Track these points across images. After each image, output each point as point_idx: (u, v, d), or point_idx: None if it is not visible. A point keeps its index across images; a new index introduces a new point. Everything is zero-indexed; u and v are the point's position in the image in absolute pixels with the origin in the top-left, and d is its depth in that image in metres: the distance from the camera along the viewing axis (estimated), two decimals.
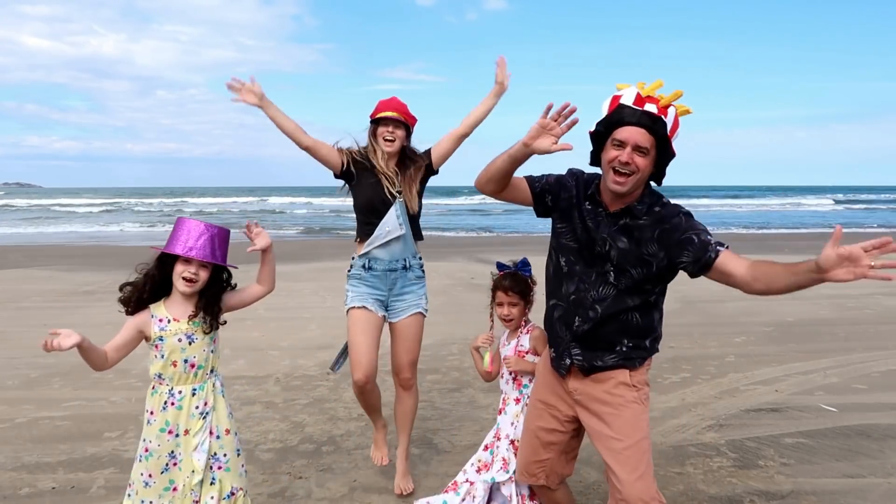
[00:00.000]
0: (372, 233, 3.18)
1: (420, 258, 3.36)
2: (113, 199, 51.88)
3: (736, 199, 56.79)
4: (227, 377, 5.44)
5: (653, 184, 2.35)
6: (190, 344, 2.43)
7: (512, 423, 2.86)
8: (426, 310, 3.35)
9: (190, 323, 2.44)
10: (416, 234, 3.32)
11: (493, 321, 3.03)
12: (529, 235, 22.56)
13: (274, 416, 4.52)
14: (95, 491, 3.42)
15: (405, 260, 3.25)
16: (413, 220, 3.28)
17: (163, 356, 2.42)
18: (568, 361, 2.39)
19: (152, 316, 2.43)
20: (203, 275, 2.42)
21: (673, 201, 2.34)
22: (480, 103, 3.36)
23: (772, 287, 1.99)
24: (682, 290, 9.80)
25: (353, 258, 3.29)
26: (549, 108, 2.16)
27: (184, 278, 2.38)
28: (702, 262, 2.14)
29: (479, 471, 2.90)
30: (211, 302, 2.47)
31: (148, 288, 2.42)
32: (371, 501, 3.31)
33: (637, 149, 2.16)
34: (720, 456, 3.82)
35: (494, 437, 2.94)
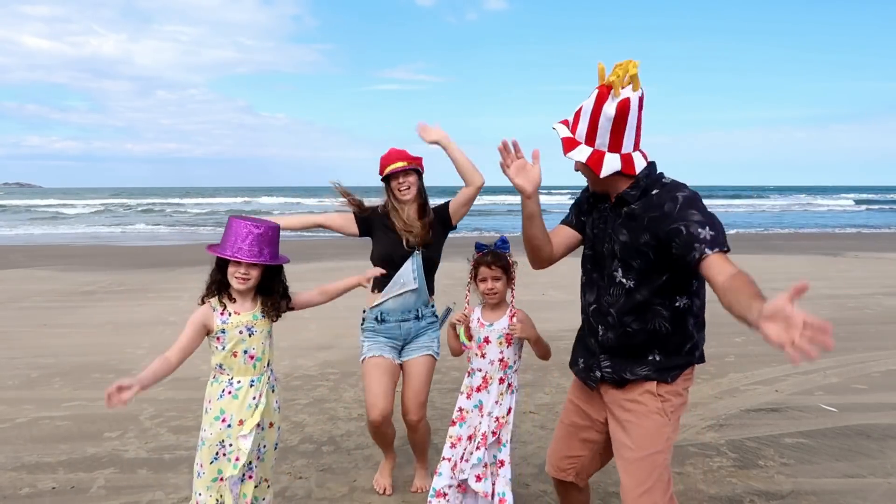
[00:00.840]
0: (386, 285, 3.22)
1: (432, 306, 3.39)
2: (106, 200, 51.76)
3: (736, 198, 56.77)
4: None
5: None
6: (250, 336, 2.59)
7: (496, 402, 2.85)
8: (437, 352, 3.35)
9: (250, 316, 2.59)
10: (430, 287, 3.35)
11: (469, 299, 3.03)
12: None
13: None
14: (95, 491, 3.42)
15: (417, 310, 3.29)
16: (429, 272, 3.31)
17: (224, 347, 2.61)
18: (598, 374, 2.28)
19: (214, 309, 2.60)
20: (254, 273, 2.57)
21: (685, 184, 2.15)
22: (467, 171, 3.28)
23: (730, 309, 1.79)
24: None
25: (364, 311, 3.33)
26: (505, 146, 2.19)
27: (235, 278, 2.54)
28: (685, 260, 1.95)
29: (452, 446, 2.89)
30: (267, 295, 2.63)
31: (214, 286, 2.64)
32: (371, 501, 3.31)
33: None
34: (720, 456, 3.82)
35: (477, 412, 2.89)
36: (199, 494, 2.57)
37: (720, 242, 1.93)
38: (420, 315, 3.30)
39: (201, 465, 2.55)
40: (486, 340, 2.88)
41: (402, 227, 3.22)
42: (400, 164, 3.21)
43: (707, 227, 1.95)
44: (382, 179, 3.29)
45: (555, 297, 9.08)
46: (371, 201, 3.40)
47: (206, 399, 2.61)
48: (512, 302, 2.91)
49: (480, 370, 2.90)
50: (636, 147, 2.14)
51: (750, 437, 4.09)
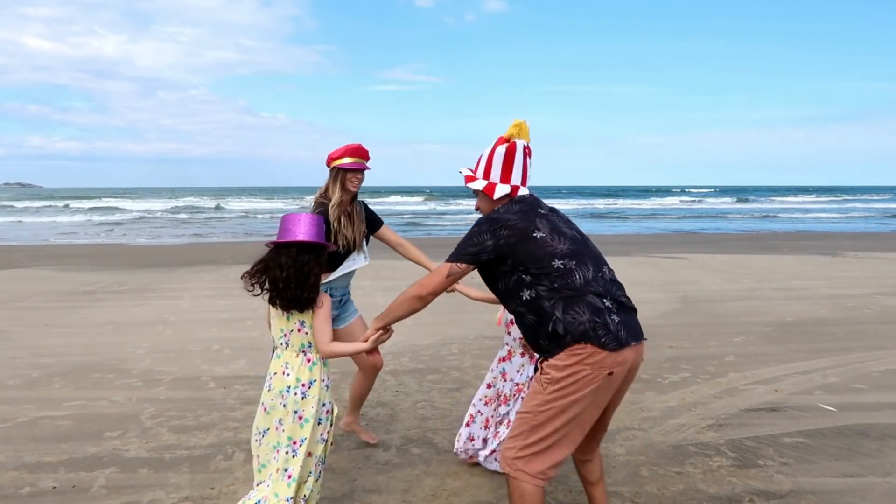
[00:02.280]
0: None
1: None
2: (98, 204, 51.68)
3: (741, 200, 56.76)
4: (227, 377, 5.45)
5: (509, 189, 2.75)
6: (287, 320, 2.80)
7: (518, 370, 3.48)
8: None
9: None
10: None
11: None
12: None
13: None
14: (96, 490, 3.43)
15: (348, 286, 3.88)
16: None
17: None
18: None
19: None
20: None
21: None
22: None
23: None
24: (681, 289, 9.82)
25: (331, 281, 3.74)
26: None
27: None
28: None
29: (486, 403, 3.62)
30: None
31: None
32: (371, 501, 3.31)
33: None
34: (720, 455, 3.83)
35: (501, 377, 3.54)
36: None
37: (450, 255, 2.64)
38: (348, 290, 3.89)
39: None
40: (511, 322, 3.45)
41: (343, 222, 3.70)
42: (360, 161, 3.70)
43: (458, 247, 2.64)
44: (335, 168, 3.68)
45: None
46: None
47: (326, 377, 2.86)
48: None
49: (507, 344, 3.56)
50: (523, 183, 2.77)
51: (749, 437, 4.10)
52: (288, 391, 2.73)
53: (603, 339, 2.43)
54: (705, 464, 3.71)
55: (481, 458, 3.58)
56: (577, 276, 2.51)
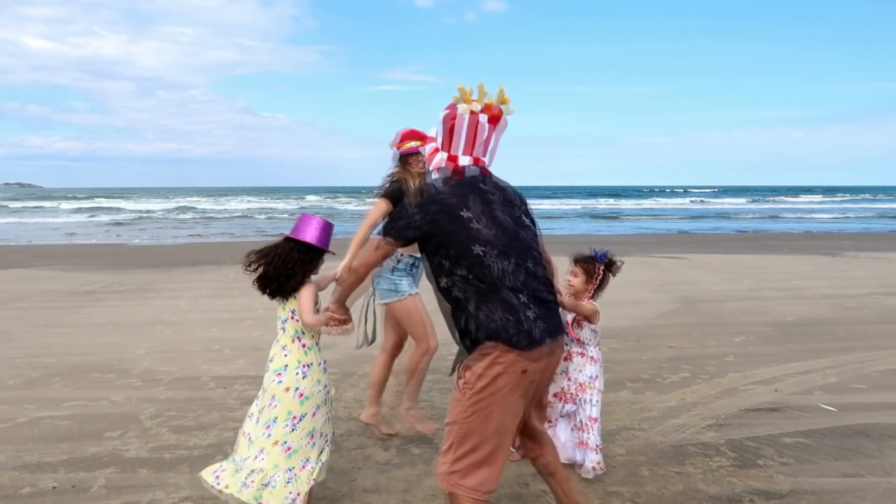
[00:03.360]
0: None
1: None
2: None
3: (742, 198, 56.71)
4: (228, 377, 5.45)
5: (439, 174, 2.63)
6: (283, 309, 2.99)
7: (580, 370, 3.65)
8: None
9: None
10: None
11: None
12: None
13: None
14: (96, 490, 3.43)
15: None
16: None
17: None
18: None
19: None
20: None
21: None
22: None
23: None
24: (681, 289, 9.82)
25: (402, 255, 3.89)
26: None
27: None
28: None
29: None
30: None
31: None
32: (371, 501, 3.31)
33: None
34: (720, 455, 3.82)
35: (564, 376, 3.69)
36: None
37: (382, 231, 2.57)
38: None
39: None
40: (568, 323, 3.63)
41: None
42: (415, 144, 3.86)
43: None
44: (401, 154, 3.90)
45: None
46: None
47: (322, 360, 3.02)
48: (585, 298, 3.60)
49: (567, 345, 3.65)
50: (469, 152, 2.55)
51: (749, 437, 4.09)
52: (285, 370, 2.87)
53: (514, 338, 2.33)
54: (705, 464, 3.71)
55: None
56: (495, 268, 2.37)
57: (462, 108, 2.52)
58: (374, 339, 4.16)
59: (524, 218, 2.58)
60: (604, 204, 51.36)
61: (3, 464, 3.74)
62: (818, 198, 61.92)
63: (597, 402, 3.60)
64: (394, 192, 3.76)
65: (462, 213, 2.41)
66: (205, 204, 48.39)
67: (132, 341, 6.71)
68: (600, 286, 3.63)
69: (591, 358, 3.65)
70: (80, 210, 41.21)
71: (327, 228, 2.94)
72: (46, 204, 48.38)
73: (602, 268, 3.60)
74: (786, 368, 5.61)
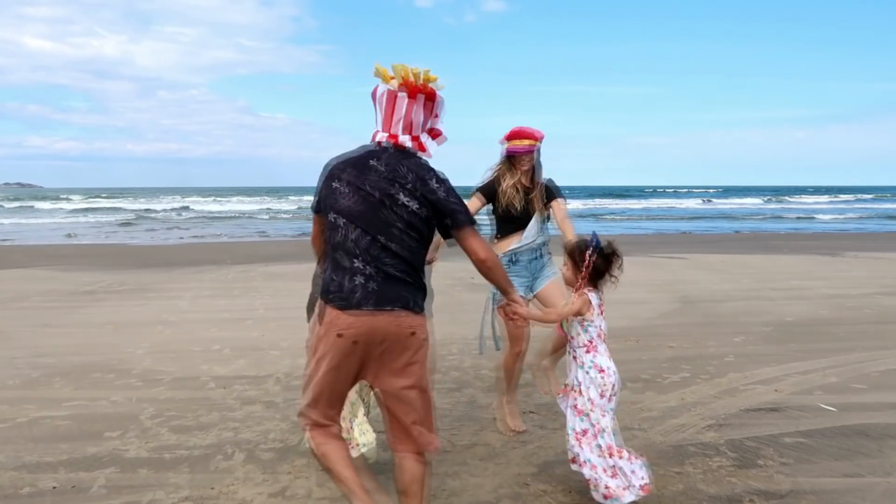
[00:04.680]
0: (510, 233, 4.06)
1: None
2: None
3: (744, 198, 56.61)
4: (227, 377, 5.45)
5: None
6: None
7: (568, 371, 3.33)
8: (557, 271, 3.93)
9: None
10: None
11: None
12: None
13: (274, 415, 4.52)
14: (96, 490, 3.43)
15: (540, 250, 4.11)
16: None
17: None
18: None
19: None
20: None
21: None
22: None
23: None
24: (681, 289, 9.82)
25: (501, 255, 3.96)
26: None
27: None
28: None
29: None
30: None
31: None
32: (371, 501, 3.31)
33: None
34: (720, 455, 3.82)
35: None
36: None
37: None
38: (542, 254, 4.11)
39: None
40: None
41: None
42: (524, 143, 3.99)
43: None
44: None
45: None
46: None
47: None
48: (576, 289, 3.23)
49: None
50: (383, 129, 2.60)
51: (749, 437, 4.09)
52: None
53: (331, 297, 2.46)
54: (705, 464, 3.71)
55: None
56: (339, 234, 2.51)
57: (381, 88, 2.62)
58: (498, 347, 4.22)
59: (403, 198, 2.49)
60: (604, 204, 51.33)
61: (3, 464, 3.74)
62: (820, 198, 61.90)
63: (579, 416, 3.16)
64: (487, 188, 4.06)
65: (333, 183, 2.57)
66: (205, 204, 48.37)
67: (132, 341, 6.71)
68: (597, 276, 3.21)
69: (575, 359, 3.24)
70: (80, 210, 41.20)
71: None
72: (46, 204, 48.38)
73: (589, 254, 3.18)
74: (786, 368, 5.61)
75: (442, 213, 2.53)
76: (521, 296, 3.79)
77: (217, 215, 36.54)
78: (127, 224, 30.04)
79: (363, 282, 2.43)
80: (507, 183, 4.01)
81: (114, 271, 12.45)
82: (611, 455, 3.08)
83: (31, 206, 44.73)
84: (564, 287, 3.57)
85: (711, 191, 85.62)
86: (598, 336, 3.21)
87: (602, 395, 3.14)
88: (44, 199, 57.12)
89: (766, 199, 59.73)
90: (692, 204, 50.47)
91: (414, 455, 2.63)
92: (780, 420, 4.39)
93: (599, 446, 3.09)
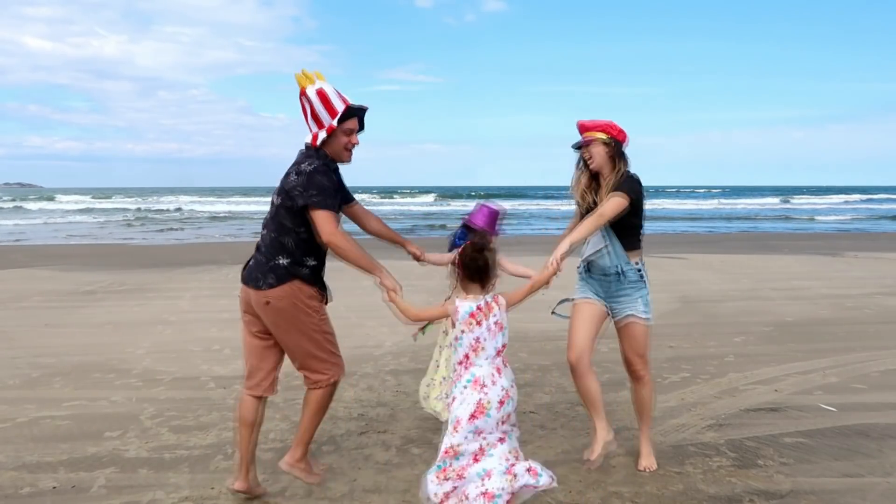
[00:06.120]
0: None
1: (636, 265, 3.59)
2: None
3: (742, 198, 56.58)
4: (228, 377, 5.45)
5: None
6: None
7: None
8: (642, 313, 3.54)
9: None
10: (627, 244, 3.56)
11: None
12: (530, 236, 22.59)
13: (274, 415, 4.52)
14: (96, 490, 3.43)
15: (617, 267, 3.53)
16: (620, 233, 3.54)
17: None
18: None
19: None
20: None
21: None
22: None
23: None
24: (681, 290, 9.81)
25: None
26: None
27: None
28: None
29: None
30: None
31: None
32: (371, 501, 3.31)
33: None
34: (720, 455, 3.82)
35: None
36: None
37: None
38: (621, 272, 3.53)
39: None
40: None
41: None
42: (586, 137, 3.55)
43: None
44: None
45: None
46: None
47: None
48: (457, 294, 2.97)
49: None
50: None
51: (749, 437, 4.09)
52: None
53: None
54: (705, 464, 3.71)
55: None
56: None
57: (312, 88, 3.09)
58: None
59: (274, 196, 3.12)
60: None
61: (3, 464, 3.74)
62: (820, 198, 61.90)
63: (448, 437, 2.74)
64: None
65: None
66: (205, 204, 48.38)
67: (132, 341, 6.72)
68: (477, 276, 2.83)
69: (459, 377, 2.81)
70: (80, 210, 41.20)
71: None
72: (46, 204, 48.37)
73: (458, 254, 2.87)
74: (786, 368, 5.61)
75: (292, 198, 3.00)
76: (598, 305, 3.55)
77: (217, 215, 36.54)
78: (127, 224, 30.05)
79: (248, 263, 3.26)
80: (574, 177, 3.69)
81: (114, 271, 12.45)
82: (456, 477, 2.73)
83: (31, 207, 44.71)
84: (645, 332, 3.54)
85: (711, 191, 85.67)
86: (474, 350, 2.79)
87: (473, 417, 2.72)
88: (44, 198, 57.11)
89: (766, 199, 59.71)
90: (692, 204, 50.48)
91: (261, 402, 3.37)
92: (780, 420, 4.39)
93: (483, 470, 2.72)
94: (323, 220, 2.93)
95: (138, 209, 41.84)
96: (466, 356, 2.81)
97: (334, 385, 3.25)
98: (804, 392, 4.98)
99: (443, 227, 26.50)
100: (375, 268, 3.04)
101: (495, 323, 2.81)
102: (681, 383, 5.23)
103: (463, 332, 2.80)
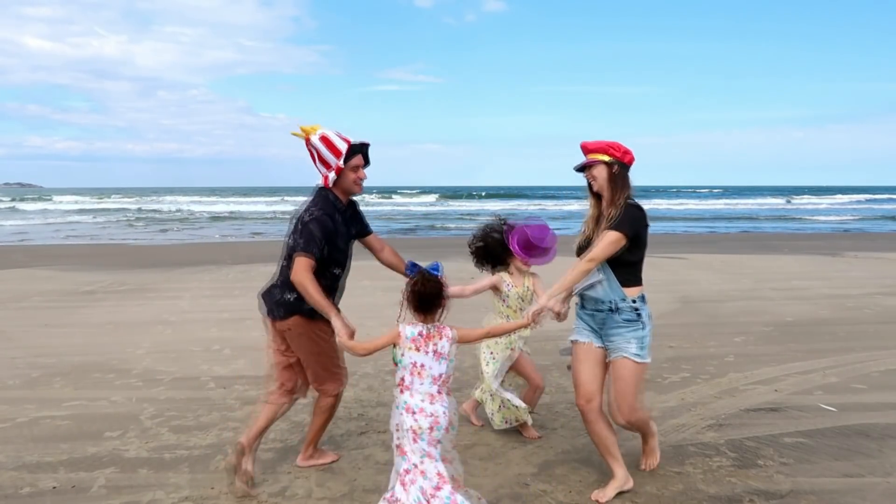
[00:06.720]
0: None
1: (633, 301, 3.30)
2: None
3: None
4: (228, 377, 5.45)
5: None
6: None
7: None
8: (634, 355, 3.24)
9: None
10: (622, 280, 3.32)
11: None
12: None
13: None
14: (96, 490, 3.43)
15: (611, 302, 3.28)
16: (615, 266, 3.31)
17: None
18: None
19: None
20: None
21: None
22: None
23: None
24: (681, 290, 9.82)
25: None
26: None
27: None
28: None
29: None
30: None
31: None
32: (371, 501, 3.31)
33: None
34: (720, 455, 3.82)
35: None
36: None
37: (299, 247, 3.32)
38: (615, 308, 3.27)
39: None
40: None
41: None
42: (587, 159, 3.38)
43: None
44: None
45: None
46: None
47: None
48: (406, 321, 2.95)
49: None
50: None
51: (749, 437, 4.09)
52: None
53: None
54: (705, 464, 3.71)
55: None
56: None
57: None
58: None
59: (286, 237, 3.48)
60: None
61: (3, 464, 3.74)
62: (820, 198, 61.91)
63: (402, 455, 2.83)
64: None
65: None
66: (205, 204, 48.37)
67: (132, 341, 6.72)
68: (424, 305, 2.87)
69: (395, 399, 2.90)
70: (80, 210, 41.21)
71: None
72: (46, 204, 48.38)
73: (407, 284, 2.94)
74: (786, 368, 5.61)
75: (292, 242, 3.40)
76: (596, 345, 3.34)
77: (217, 215, 36.53)
78: (127, 224, 30.05)
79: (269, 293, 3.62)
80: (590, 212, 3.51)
81: (114, 271, 12.45)
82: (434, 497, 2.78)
83: (31, 207, 44.71)
84: (635, 374, 3.24)
85: (712, 191, 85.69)
86: (413, 374, 2.85)
87: (414, 440, 2.80)
88: (44, 198, 57.12)
89: (766, 199, 59.71)
90: (692, 204, 50.48)
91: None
92: (780, 420, 4.39)
93: (422, 488, 2.78)
94: (298, 262, 3.27)
95: (138, 209, 41.84)
96: (403, 379, 2.87)
97: (340, 394, 3.68)
98: (804, 392, 4.98)
99: (449, 226, 26.45)
100: (330, 311, 3.25)
101: (435, 352, 2.85)
102: (681, 383, 5.23)
103: (403, 354, 2.86)
